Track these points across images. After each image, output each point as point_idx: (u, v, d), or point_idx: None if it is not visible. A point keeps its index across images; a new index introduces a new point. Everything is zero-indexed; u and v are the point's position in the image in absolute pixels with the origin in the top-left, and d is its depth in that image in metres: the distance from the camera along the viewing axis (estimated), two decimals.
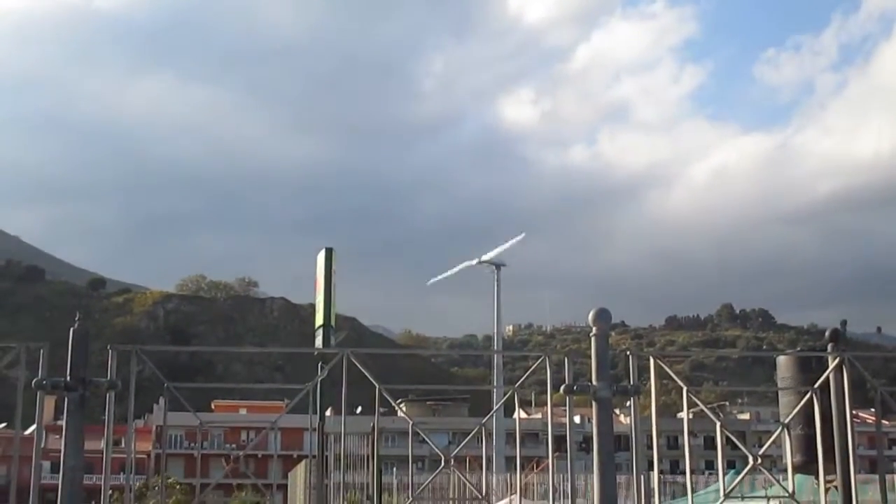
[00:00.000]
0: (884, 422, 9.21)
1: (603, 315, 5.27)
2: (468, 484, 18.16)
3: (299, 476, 20.86)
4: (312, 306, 19.96)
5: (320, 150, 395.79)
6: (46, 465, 43.91)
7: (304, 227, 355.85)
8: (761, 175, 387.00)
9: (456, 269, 75.44)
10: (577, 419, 5.39)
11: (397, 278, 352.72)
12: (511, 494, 25.18)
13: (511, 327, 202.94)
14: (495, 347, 74.28)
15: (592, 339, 5.07)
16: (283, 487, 30.43)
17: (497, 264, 75.16)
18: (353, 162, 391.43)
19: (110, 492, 4.50)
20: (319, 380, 5.40)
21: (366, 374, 4.62)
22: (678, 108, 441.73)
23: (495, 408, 8.81)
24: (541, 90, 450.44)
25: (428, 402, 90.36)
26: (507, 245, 73.65)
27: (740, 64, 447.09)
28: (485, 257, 73.14)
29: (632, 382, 5.04)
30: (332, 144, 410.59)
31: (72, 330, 4.28)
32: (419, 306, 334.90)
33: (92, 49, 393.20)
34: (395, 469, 28.47)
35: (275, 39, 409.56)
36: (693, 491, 7.24)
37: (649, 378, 5.39)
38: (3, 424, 67.94)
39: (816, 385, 5.50)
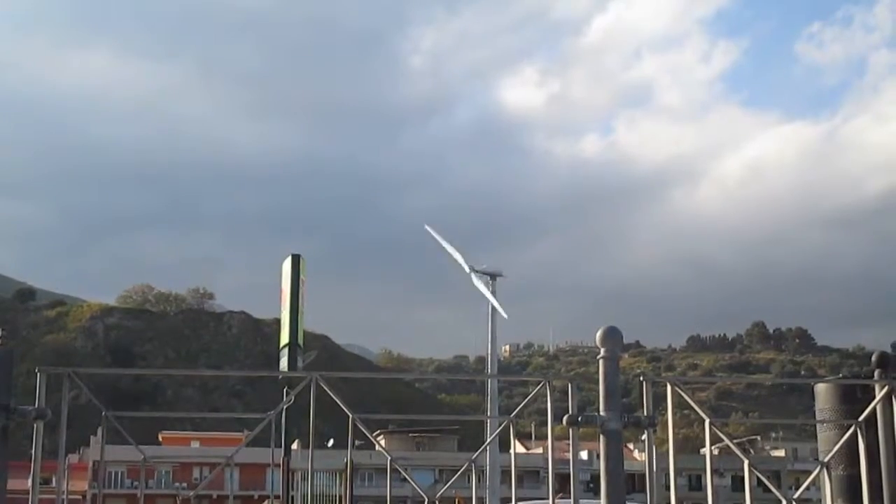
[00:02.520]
0: None
1: (613, 334, 5.26)
2: None
3: None
4: (277, 322, 19.75)
5: (289, 138, 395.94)
6: None
7: (269, 228, 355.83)
8: (802, 170, 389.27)
9: (448, 247, 75.17)
10: (583, 455, 5.41)
11: (377, 289, 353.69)
12: None
13: (508, 347, 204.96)
14: (489, 371, 73.76)
15: (601, 361, 5.06)
16: None
17: (492, 274, 75.27)
18: (327, 151, 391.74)
19: None
20: (284, 407, 5.40)
21: (338, 401, 4.61)
22: (708, 92, 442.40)
23: (488, 441, 8.75)
24: (547, 70, 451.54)
25: (411, 434, 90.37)
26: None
27: (780, 40, 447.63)
28: (478, 265, 73.55)
29: (647, 413, 5.03)
30: (303, 131, 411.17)
31: None
32: (401, 322, 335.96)
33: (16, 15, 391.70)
34: None
35: (234, 6, 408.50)
36: None
37: (667, 408, 5.39)
38: None
39: (861, 418, 5.52)
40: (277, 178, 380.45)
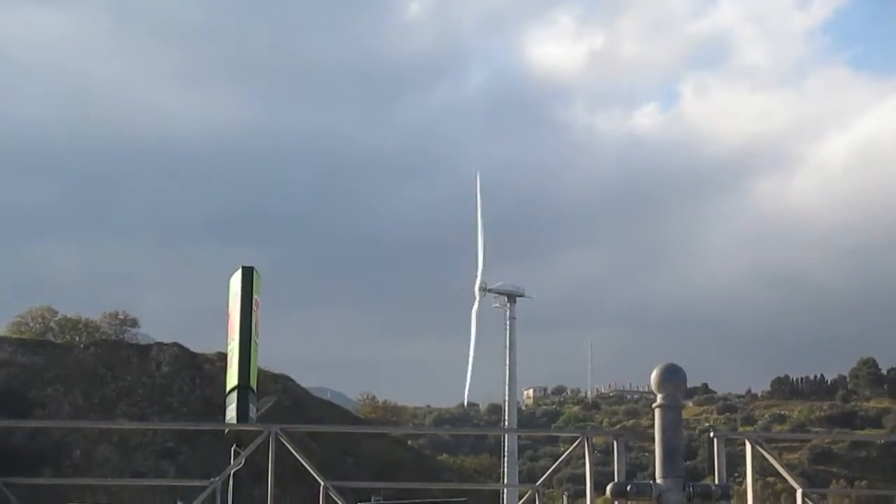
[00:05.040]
0: None
1: (673, 375, 5.31)
2: None
3: None
4: (223, 357, 19.73)
5: (239, 110, 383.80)
6: None
7: (212, 232, 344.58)
8: None
9: (472, 344, 74.59)
10: None
11: (356, 313, 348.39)
12: None
13: (531, 392, 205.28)
14: (506, 423, 73.97)
15: (657, 411, 5.11)
16: None
17: (510, 294, 75.02)
18: (293, 129, 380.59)
19: None
20: (232, 472, 5.39)
21: (304, 463, 4.59)
22: (804, 49, 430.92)
23: None
24: (588, 17, 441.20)
25: None
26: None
27: None
28: (482, 281, 73.33)
29: (719, 480, 5.06)
30: (258, 101, 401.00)
31: None
32: (389, 358, 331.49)
33: None
34: None
35: None
36: None
37: (746, 473, 5.40)
38: None
39: None
40: (223, 164, 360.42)
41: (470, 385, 79.19)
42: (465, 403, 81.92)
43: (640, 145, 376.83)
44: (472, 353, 74.98)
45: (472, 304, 74.56)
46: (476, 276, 74.74)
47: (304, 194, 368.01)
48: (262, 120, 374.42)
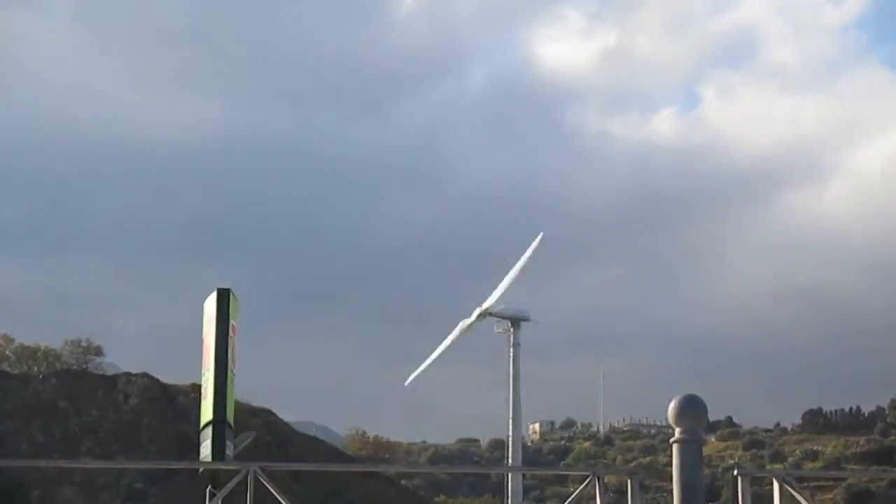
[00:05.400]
0: None
1: (693, 407, 5.15)
2: None
3: None
4: (197, 389, 18.38)
5: (216, 116, 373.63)
6: None
7: (185, 249, 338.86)
8: None
9: (442, 348, 73.22)
10: None
11: (344, 339, 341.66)
12: None
13: (538, 426, 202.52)
14: (510, 461, 72.42)
15: (676, 447, 4.45)
16: None
17: (513, 318, 72.87)
18: (275, 133, 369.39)
19: None
20: None
21: None
22: (838, 46, 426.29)
23: None
24: (601, 13, 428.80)
25: None
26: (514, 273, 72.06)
27: None
28: (490, 306, 70.98)
29: None
30: (238, 103, 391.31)
31: None
32: (380, 389, 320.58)
33: None
34: None
35: None
36: None
37: None
38: None
39: None
40: (197, 175, 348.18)
41: (417, 375, 77.10)
42: (406, 384, 79.62)
43: (658, 152, 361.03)
44: (437, 353, 73.30)
45: (466, 320, 72.27)
46: (487, 300, 72.75)
47: (285, 209, 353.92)
48: (239, 127, 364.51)
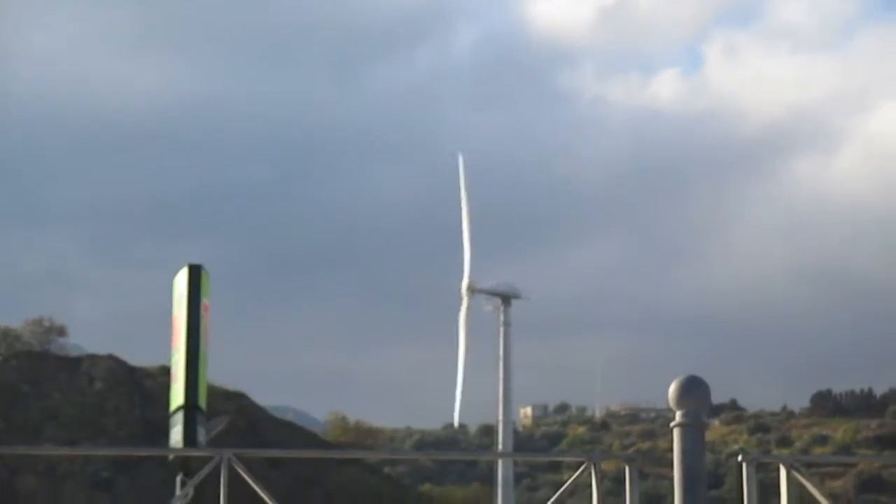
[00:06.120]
0: None
1: (695, 389, 4.95)
2: None
3: None
4: (166, 372, 18.20)
5: (182, 78, 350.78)
6: None
7: (152, 224, 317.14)
8: None
9: (462, 353, 70.15)
10: None
11: (323, 319, 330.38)
12: None
13: (529, 410, 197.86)
14: (500, 447, 71.75)
15: (676, 432, 4.09)
16: None
17: (504, 295, 71.45)
18: (243, 98, 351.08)
19: None
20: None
21: (262, 494, 3.09)
22: (852, 4, 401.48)
23: None
24: None
25: None
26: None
27: None
28: (472, 280, 69.40)
29: None
30: (208, 69, 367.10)
31: None
32: (361, 371, 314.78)
33: None
34: None
35: None
36: None
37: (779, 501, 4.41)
38: None
39: None
40: (163, 142, 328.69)
41: (460, 403, 75.37)
42: (456, 424, 78.40)
43: (659, 118, 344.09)
44: (461, 366, 71.79)
45: (460, 308, 71.15)
46: (463, 274, 71.13)
47: (258, 179, 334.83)
48: (206, 90, 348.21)
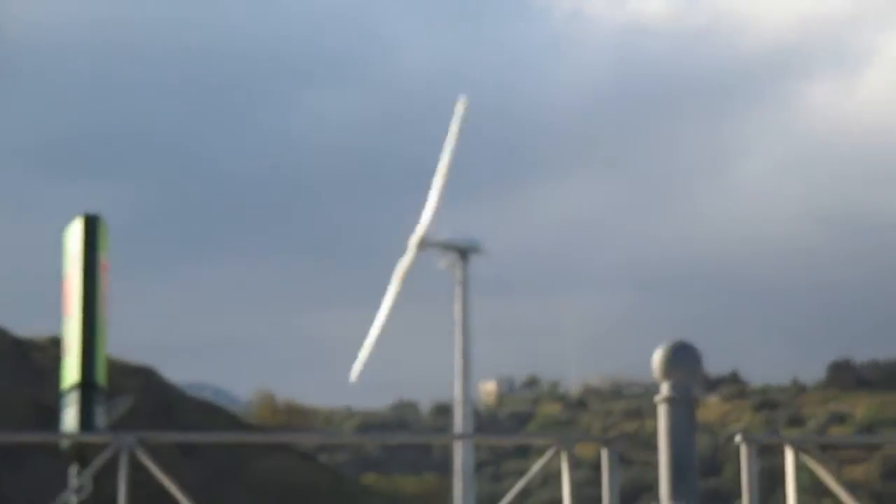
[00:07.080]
0: None
1: (684, 356, 5.36)
2: None
3: None
4: (57, 344, 17.88)
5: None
6: None
7: (39, 163, 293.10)
8: None
9: (384, 311, 63.89)
10: None
11: (247, 273, 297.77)
12: None
13: (493, 386, 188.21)
14: (459, 429, 68.97)
15: (661, 408, 4.34)
16: None
17: (462, 248, 65.95)
18: (156, 14, 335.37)
19: None
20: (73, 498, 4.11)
21: (171, 488, 3.18)
22: None
23: None
24: None
25: None
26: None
27: None
28: (427, 231, 63.33)
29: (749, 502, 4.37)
30: None
31: None
32: (291, 340, 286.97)
33: None
34: None
35: None
36: None
37: (786, 494, 4.43)
38: None
39: None
40: (58, 67, 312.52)
41: (364, 363, 68.98)
42: (353, 379, 69.78)
43: (648, 36, 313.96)
44: (380, 322, 65.30)
45: (403, 260, 64.72)
46: (419, 224, 64.77)
47: (170, 108, 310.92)
48: (116, 7, 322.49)
